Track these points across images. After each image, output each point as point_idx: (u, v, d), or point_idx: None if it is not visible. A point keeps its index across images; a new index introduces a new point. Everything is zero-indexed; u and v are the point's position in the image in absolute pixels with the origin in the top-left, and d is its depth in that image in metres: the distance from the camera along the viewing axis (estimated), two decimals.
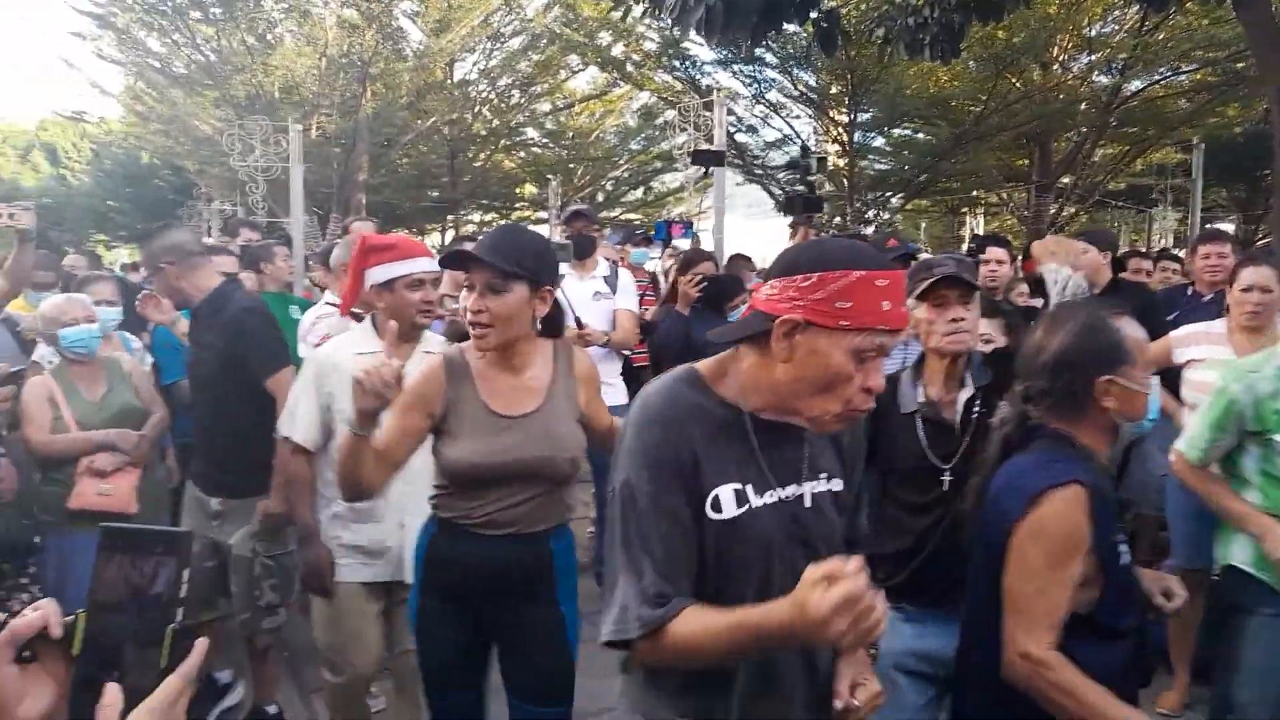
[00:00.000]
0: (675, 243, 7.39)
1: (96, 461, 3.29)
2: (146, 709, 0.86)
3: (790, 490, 1.51)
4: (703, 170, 12.65)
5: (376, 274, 2.69)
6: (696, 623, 1.36)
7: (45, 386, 3.34)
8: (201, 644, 0.91)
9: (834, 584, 1.17)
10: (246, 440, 3.21)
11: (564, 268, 4.53)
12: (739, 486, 1.47)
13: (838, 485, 1.57)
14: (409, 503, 2.66)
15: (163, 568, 0.87)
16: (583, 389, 2.34)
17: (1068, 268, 2.15)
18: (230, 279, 3.38)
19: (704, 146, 9.89)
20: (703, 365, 1.55)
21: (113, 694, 0.85)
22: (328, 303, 3.67)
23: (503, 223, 26.09)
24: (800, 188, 3.78)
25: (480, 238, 2.32)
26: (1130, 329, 1.81)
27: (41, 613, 0.88)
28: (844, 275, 1.36)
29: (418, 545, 2.36)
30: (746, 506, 1.47)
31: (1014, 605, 1.71)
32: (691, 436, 1.45)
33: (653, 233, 7.96)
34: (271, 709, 3.58)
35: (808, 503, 1.52)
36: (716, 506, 1.45)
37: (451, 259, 2.29)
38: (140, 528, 0.92)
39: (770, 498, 1.49)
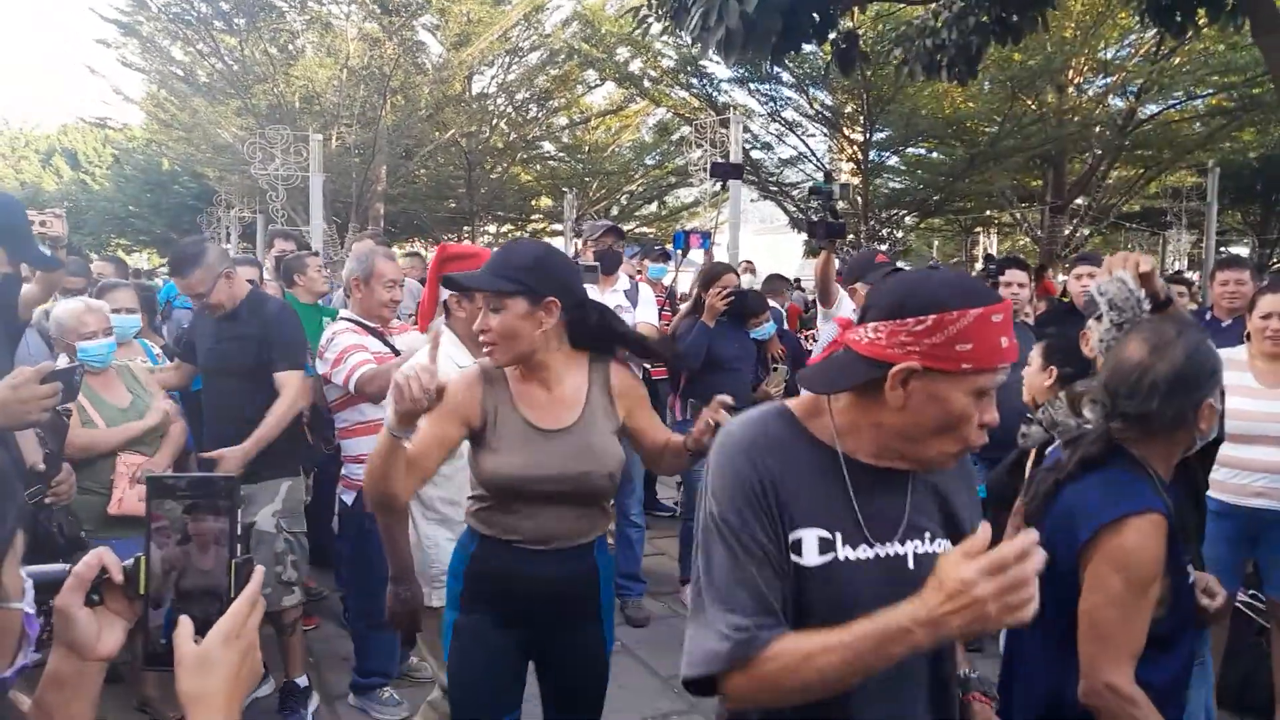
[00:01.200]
0: (693, 254, 7.41)
1: (135, 465, 3.36)
2: (220, 633, 0.95)
3: (890, 549, 1.38)
4: (718, 185, 12.75)
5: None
6: (795, 648, 1.25)
7: None
8: (259, 571, 0.99)
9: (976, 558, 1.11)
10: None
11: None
12: (826, 534, 1.35)
13: (942, 547, 1.41)
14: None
15: (214, 509, 0.96)
16: (622, 403, 2.30)
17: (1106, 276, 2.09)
18: (255, 287, 3.57)
19: (722, 160, 9.99)
20: (794, 402, 1.46)
21: (185, 625, 0.94)
22: (343, 317, 3.72)
23: (515, 235, 26.23)
24: (824, 214, 3.85)
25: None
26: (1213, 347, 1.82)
27: (98, 556, 0.97)
28: (961, 315, 1.27)
29: (454, 561, 2.32)
30: (831, 555, 1.35)
31: (1097, 634, 1.66)
32: (773, 469, 1.35)
33: (671, 245, 8.02)
34: (301, 681, 3.67)
35: (911, 564, 1.37)
36: (797, 550, 1.34)
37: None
38: (187, 475, 1.02)
39: (865, 553, 1.36)
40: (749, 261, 7.55)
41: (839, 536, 1.36)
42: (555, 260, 2.23)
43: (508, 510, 2.20)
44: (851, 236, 16.40)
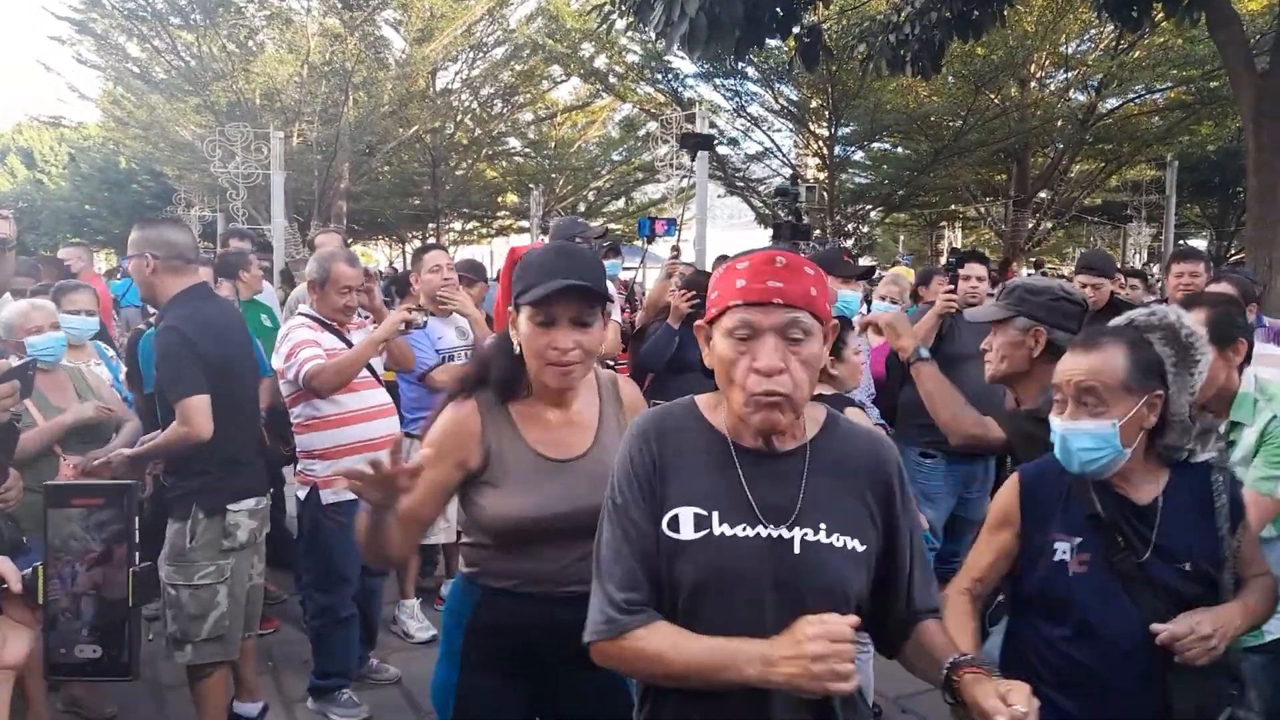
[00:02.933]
0: (654, 247, 7.33)
1: (79, 464, 3.27)
2: None
3: (777, 531, 1.43)
4: (684, 181, 12.73)
5: None
6: (667, 637, 1.40)
7: None
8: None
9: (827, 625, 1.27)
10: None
11: None
12: (701, 511, 1.44)
13: (847, 542, 1.45)
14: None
15: (112, 517, 0.92)
16: (631, 417, 1.96)
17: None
18: (200, 286, 3.27)
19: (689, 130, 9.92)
20: (701, 396, 1.57)
21: None
22: (301, 313, 3.66)
23: (481, 233, 26.06)
24: (790, 215, 3.85)
25: (547, 260, 1.90)
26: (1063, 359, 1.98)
27: None
28: (722, 272, 1.47)
29: (450, 611, 2.02)
30: (706, 532, 1.43)
31: None
32: (662, 452, 1.48)
33: (636, 238, 7.97)
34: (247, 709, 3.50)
35: (797, 549, 1.43)
36: (674, 526, 1.45)
37: (568, 291, 1.82)
38: (84, 483, 0.99)
39: (745, 531, 1.43)
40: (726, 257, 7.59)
41: (715, 515, 1.44)
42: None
43: (518, 555, 1.90)
44: (817, 232, 16.48)
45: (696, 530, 1.43)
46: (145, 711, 3.68)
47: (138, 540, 0.93)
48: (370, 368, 3.67)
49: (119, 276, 14.92)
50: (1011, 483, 1.96)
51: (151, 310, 3.97)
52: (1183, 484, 1.87)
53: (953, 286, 4.33)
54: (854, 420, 1.63)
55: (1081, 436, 1.79)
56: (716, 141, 15.65)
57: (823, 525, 1.45)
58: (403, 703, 3.80)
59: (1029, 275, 12.30)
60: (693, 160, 10.96)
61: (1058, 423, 1.84)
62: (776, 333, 1.39)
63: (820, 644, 1.25)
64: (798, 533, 1.43)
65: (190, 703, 3.25)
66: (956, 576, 2.00)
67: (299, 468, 3.69)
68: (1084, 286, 4.45)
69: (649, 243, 7.05)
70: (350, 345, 3.60)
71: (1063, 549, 1.83)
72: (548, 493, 1.87)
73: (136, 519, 0.94)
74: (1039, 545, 1.87)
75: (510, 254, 2.78)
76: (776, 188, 4.90)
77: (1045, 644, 1.86)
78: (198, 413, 2.92)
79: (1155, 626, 1.71)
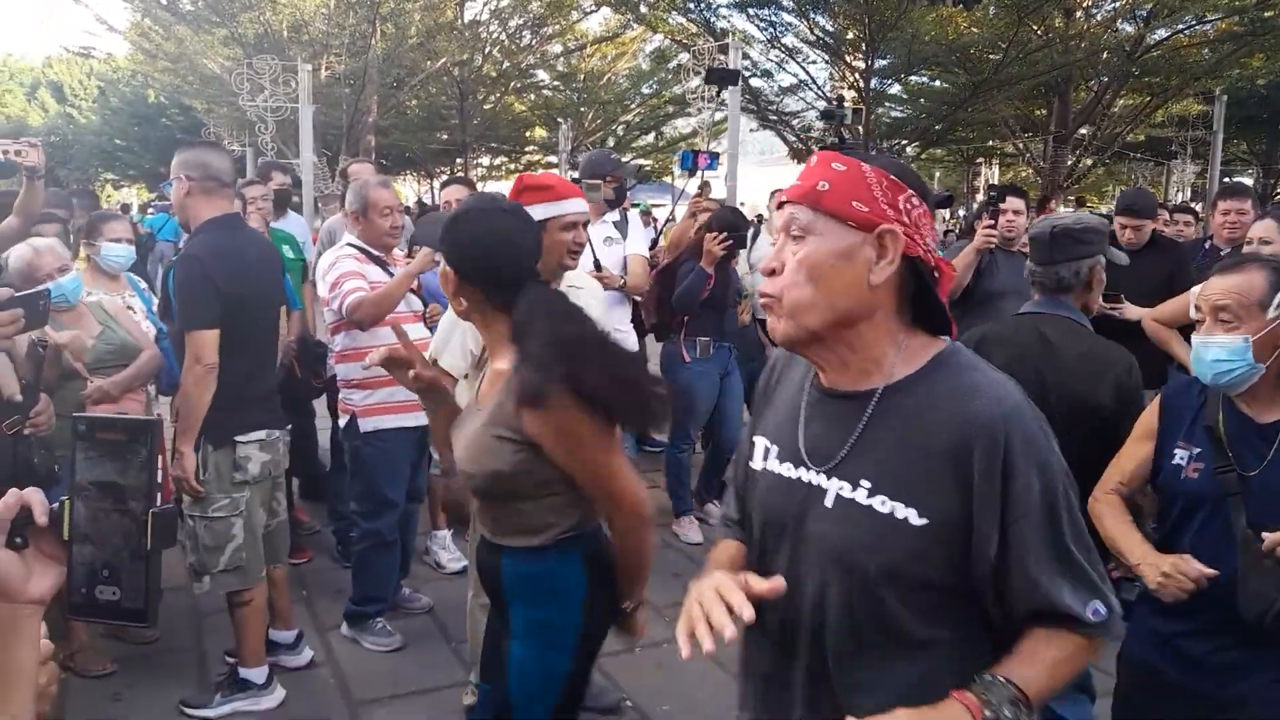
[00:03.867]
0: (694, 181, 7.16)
1: (104, 385, 3.31)
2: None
3: (816, 478, 1.30)
4: (716, 114, 12.50)
5: (533, 212, 2.67)
6: (713, 556, 1.51)
7: None
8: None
9: None
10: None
11: None
12: (769, 443, 1.40)
13: (896, 510, 1.22)
14: None
15: (134, 454, 0.90)
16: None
17: None
18: (231, 216, 3.24)
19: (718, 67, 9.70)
20: None
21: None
22: (348, 244, 3.67)
23: (509, 167, 25.86)
24: (835, 137, 3.74)
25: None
26: (1207, 282, 2.04)
27: (18, 497, 0.91)
28: None
29: (553, 592, 1.96)
30: (764, 465, 1.39)
31: None
32: (776, 380, 1.47)
33: (667, 174, 7.83)
34: (254, 674, 3.37)
35: (828, 502, 1.27)
36: (752, 454, 1.44)
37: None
38: (109, 417, 0.97)
39: (789, 470, 1.34)
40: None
41: (774, 450, 1.39)
42: None
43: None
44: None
45: (763, 461, 1.40)
46: (185, 638, 3.79)
47: (159, 478, 0.91)
48: (412, 302, 3.72)
49: (151, 212, 15.04)
50: (1156, 399, 2.14)
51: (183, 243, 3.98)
52: None
53: (993, 222, 4.22)
54: (979, 365, 1.29)
55: (1215, 349, 1.91)
56: (749, 74, 15.32)
57: (865, 483, 1.24)
58: (435, 631, 3.88)
59: (1062, 210, 12.03)
60: (719, 95, 10.74)
61: (1196, 338, 1.97)
62: (783, 231, 1.27)
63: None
64: (834, 484, 1.27)
65: (228, 629, 3.34)
66: (1103, 478, 2.16)
67: (340, 396, 3.76)
68: (1124, 229, 4.32)
69: (691, 175, 6.92)
70: (393, 276, 3.63)
71: (1181, 455, 1.99)
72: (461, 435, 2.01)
73: (159, 457, 0.91)
74: (1165, 451, 2.04)
75: (518, 181, 2.78)
76: (822, 110, 4.83)
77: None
78: (204, 345, 2.95)
79: (1267, 536, 1.80)
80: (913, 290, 1.27)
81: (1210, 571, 1.83)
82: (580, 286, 2.93)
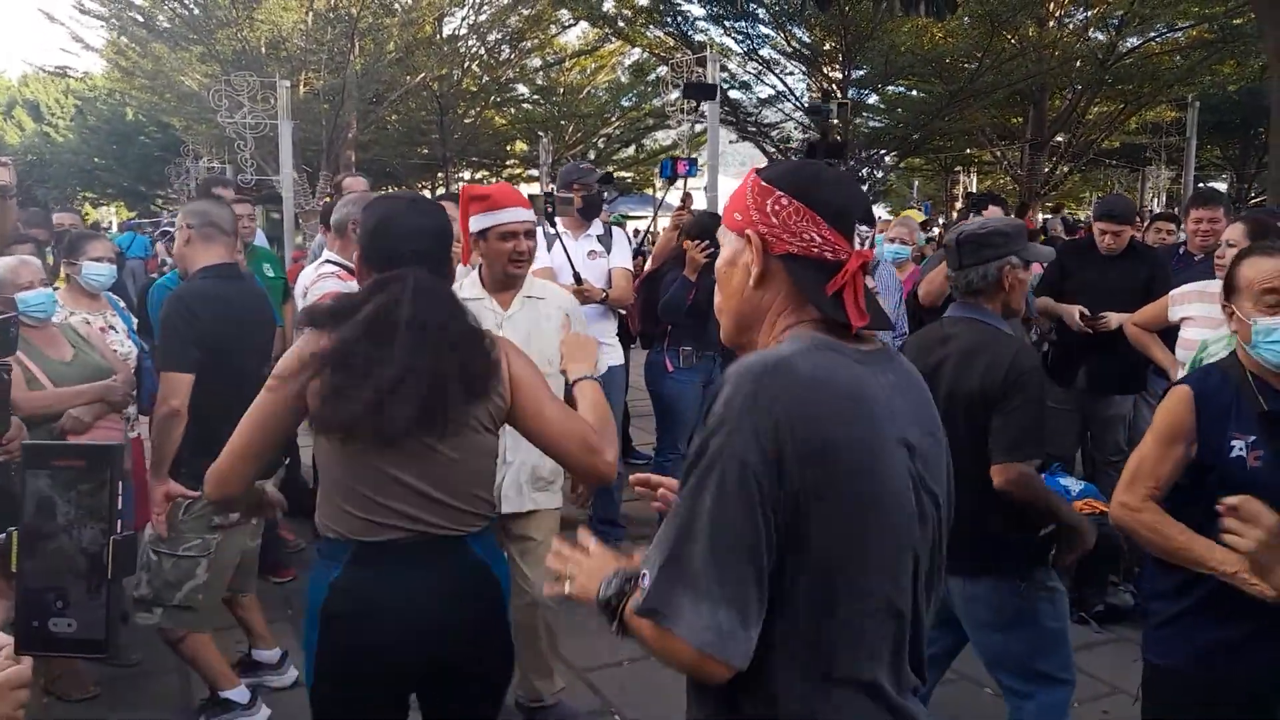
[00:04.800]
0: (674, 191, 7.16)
1: (76, 414, 3.27)
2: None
3: None
4: (696, 127, 12.54)
5: (474, 223, 2.78)
6: None
7: None
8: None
9: None
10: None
11: (560, 226, 4.51)
12: None
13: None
14: (508, 443, 2.63)
15: (93, 482, 0.87)
16: None
17: None
18: (227, 266, 3.20)
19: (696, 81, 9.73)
20: None
21: None
22: (329, 260, 3.64)
23: (490, 180, 25.86)
24: (821, 134, 3.74)
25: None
26: (1248, 268, 2.07)
27: None
28: None
29: None
30: None
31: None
32: None
33: (647, 186, 7.85)
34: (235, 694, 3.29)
35: None
36: None
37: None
38: (65, 444, 0.93)
39: None
40: None
41: None
42: None
43: None
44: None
45: None
46: (168, 660, 3.72)
47: (120, 505, 0.88)
48: None
49: (123, 231, 14.92)
50: (1182, 396, 2.03)
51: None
52: None
53: None
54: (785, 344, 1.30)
55: None
56: (728, 85, 15.40)
57: None
58: None
59: (1046, 220, 12.12)
60: (699, 107, 10.79)
61: (1267, 321, 1.97)
62: None
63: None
64: None
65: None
66: (1128, 484, 2.06)
67: None
68: (1103, 234, 4.38)
69: (670, 184, 6.92)
70: None
71: (1239, 445, 1.95)
72: None
73: (119, 484, 0.88)
74: (1217, 446, 1.97)
75: (463, 191, 2.84)
76: (809, 105, 4.86)
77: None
78: (175, 388, 2.91)
79: None
80: (809, 286, 1.25)
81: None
82: (541, 297, 2.97)
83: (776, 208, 1.27)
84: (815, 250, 1.26)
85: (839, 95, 16.14)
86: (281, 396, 1.83)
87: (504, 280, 2.85)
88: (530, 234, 2.85)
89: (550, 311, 2.98)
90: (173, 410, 2.91)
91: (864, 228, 1.28)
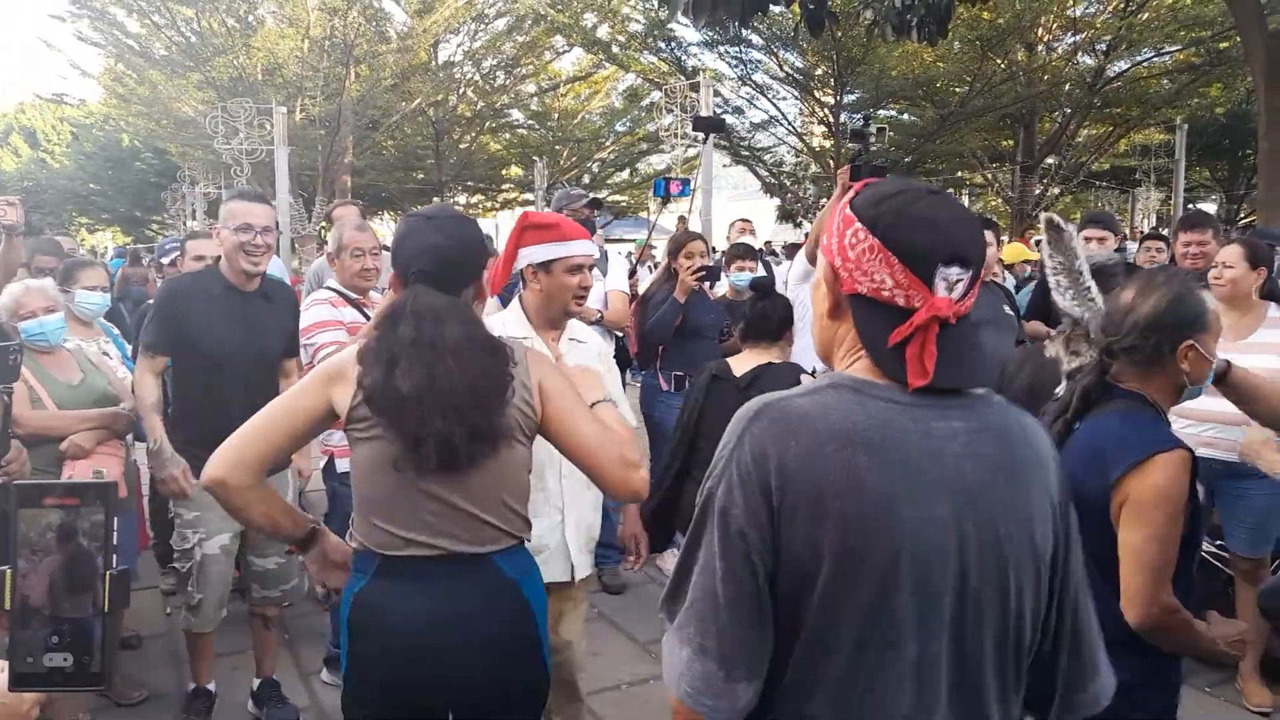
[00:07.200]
0: (662, 220, 7.27)
1: (78, 440, 3.27)
2: None
3: None
4: (690, 151, 12.66)
5: (534, 253, 2.57)
6: None
7: None
8: None
9: None
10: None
11: None
12: None
13: None
14: (567, 496, 2.63)
15: (86, 518, 0.88)
16: None
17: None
18: (212, 266, 3.29)
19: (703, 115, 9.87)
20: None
21: None
22: (327, 286, 3.65)
23: (486, 205, 25.99)
24: (864, 156, 3.77)
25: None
26: (1211, 302, 1.93)
27: None
28: None
29: None
30: None
31: (1147, 565, 1.77)
32: None
33: (642, 209, 7.92)
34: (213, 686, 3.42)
35: None
36: None
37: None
38: (59, 482, 0.94)
39: None
40: (746, 221, 7.31)
41: None
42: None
43: None
44: (825, 201, 16.38)
45: None
46: (166, 683, 3.72)
47: (115, 541, 0.88)
48: None
49: (118, 257, 14.92)
50: (1184, 462, 1.80)
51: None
52: None
53: None
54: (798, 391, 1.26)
55: None
56: (721, 111, 15.52)
57: None
58: None
59: (1039, 241, 12.17)
60: (693, 160, 10.92)
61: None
62: None
63: None
64: None
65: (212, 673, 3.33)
66: (1165, 583, 1.80)
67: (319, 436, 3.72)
68: (1089, 241, 4.50)
69: (665, 203, 7.00)
70: (369, 319, 3.61)
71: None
72: None
73: (115, 519, 0.89)
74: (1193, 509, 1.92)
75: (521, 219, 2.69)
76: (851, 129, 4.84)
77: None
78: (139, 368, 3.16)
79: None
80: (869, 333, 1.16)
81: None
82: (583, 340, 2.82)
83: (854, 240, 1.15)
84: (885, 295, 1.13)
85: (831, 119, 16.30)
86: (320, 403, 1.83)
87: (560, 317, 2.66)
88: (592, 268, 2.70)
89: (592, 356, 2.80)
90: (135, 383, 3.18)
91: (954, 269, 1.11)
